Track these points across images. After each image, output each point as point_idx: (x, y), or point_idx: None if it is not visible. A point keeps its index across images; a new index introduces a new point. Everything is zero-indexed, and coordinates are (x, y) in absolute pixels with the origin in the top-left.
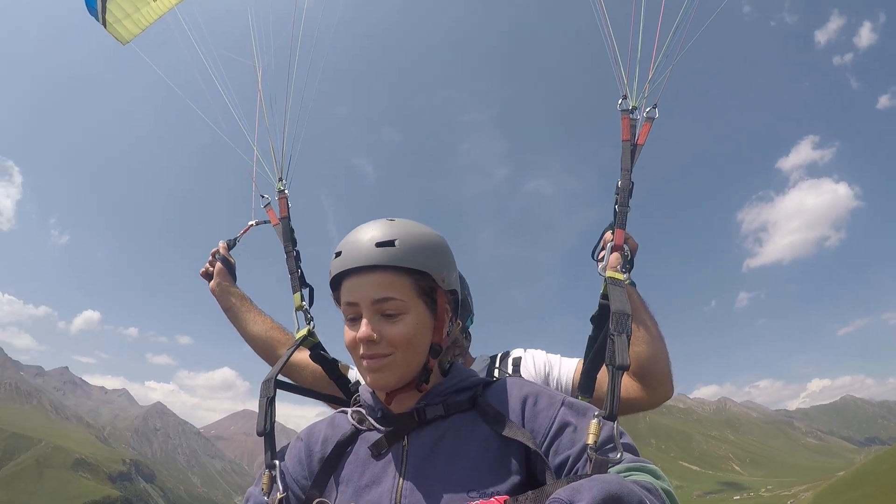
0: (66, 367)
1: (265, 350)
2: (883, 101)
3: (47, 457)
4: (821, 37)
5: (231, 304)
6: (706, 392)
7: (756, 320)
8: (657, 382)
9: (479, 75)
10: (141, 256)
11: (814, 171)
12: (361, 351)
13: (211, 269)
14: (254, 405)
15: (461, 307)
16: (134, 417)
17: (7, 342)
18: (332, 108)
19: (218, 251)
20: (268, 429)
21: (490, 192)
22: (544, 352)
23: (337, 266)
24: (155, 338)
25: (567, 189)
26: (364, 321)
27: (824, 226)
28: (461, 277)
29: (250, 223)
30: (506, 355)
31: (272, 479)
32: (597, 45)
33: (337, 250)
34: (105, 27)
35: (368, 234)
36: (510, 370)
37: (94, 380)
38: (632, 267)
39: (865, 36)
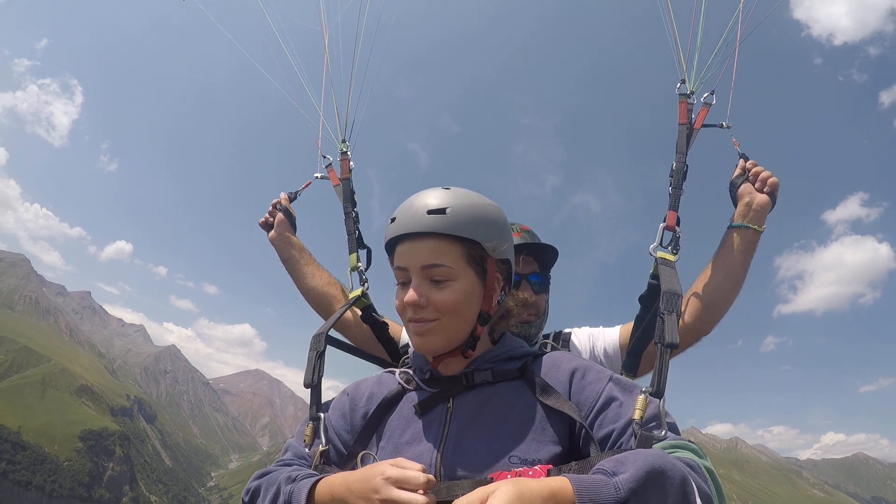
0: (89, 292)
1: (321, 304)
2: None
3: (54, 377)
4: (885, 98)
5: (291, 254)
6: (720, 429)
7: (780, 366)
8: (712, 318)
9: (547, 81)
10: (185, 199)
11: (858, 227)
12: (409, 315)
13: (271, 219)
14: (267, 366)
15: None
16: (146, 356)
17: (35, 255)
18: (395, 90)
19: (279, 202)
20: (315, 381)
21: (538, 198)
22: (588, 327)
23: (391, 231)
24: (182, 281)
25: (613, 208)
26: (412, 286)
27: (861, 283)
28: None
29: (312, 177)
30: (558, 334)
31: (315, 431)
32: (666, 59)
33: (393, 216)
34: None
35: (422, 201)
36: (560, 346)
37: (114, 310)
38: (678, 248)
39: None
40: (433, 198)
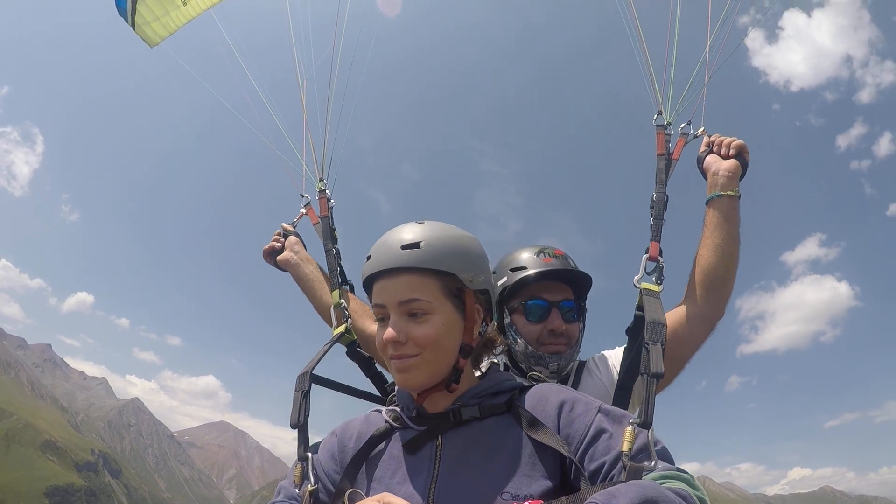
0: (49, 345)
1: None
2: (893, 208)
3: (17, 433)
4: (842, 141)
5: (308, 273)
6: (687, 469)
7: (745, 404)
8: (719, 299)
9: (507, 128)
10: (148, 249)
11: (817, 267)
12: (390, 352)
13: (277, 244)
14: (232, 418)
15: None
16: (109, 409)
17: None
18: (356, 137)
19: (285, 230)
20: (301, 421)
21: (501, 243)
22: (606, 350)
23: (366, 269)
24: (145, 332)
25: (575, 251)
26: (390, 322)
27: (822, 321)
28: None
29: (302, 211)
30: (581, 364)
31: (304, 472)
32: (629, 103)
33: (368, 253)
34: (134, 29)
35: (396, 236)
36: (575, 376)
37: (76, 363)
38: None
39: (885, 146)
40: (407, 232)
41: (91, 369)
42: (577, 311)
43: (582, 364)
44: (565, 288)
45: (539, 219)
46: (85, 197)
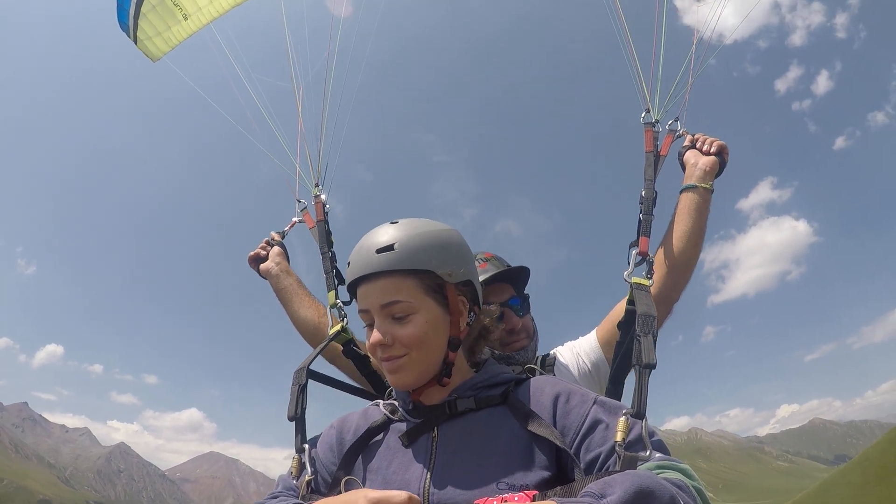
0: (26, 403)
1: (314, 335)
2: (839, 142)
3: (10, 497)
4: (780, 85)
5: (287, 284)
6: (677, 423)
7: (724, 352)
8: (678, 283)
9: (451, 116)
10: (111, 292)
11: (773, 209)
12: (379, 354)
13: (263, 252)
14: (220, 447)
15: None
16: (96, 458)
17: None
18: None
19: (272, 239)
20: (298, 414)
21: (461, 232)
22: (569, 341)
23: (347, 277)
24: (120, 375)
25: (535, 228)
26: (375, 326)
27: (786, 261)
28: None
29: (294, 220)
30: (544, 358)
31: (301, 463)
32: (565, 80)
33: (349, 260)
34: (136, 44)
35: (371, 241)
36: (547, 370)
37: (55, 417)
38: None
39: (823, 83)
40: (381, 235)
41: (71, 421)
42: (523, 304)
43: (543, 358)
44: (506, 287)
45: (494, 202)
46: (39, 247)
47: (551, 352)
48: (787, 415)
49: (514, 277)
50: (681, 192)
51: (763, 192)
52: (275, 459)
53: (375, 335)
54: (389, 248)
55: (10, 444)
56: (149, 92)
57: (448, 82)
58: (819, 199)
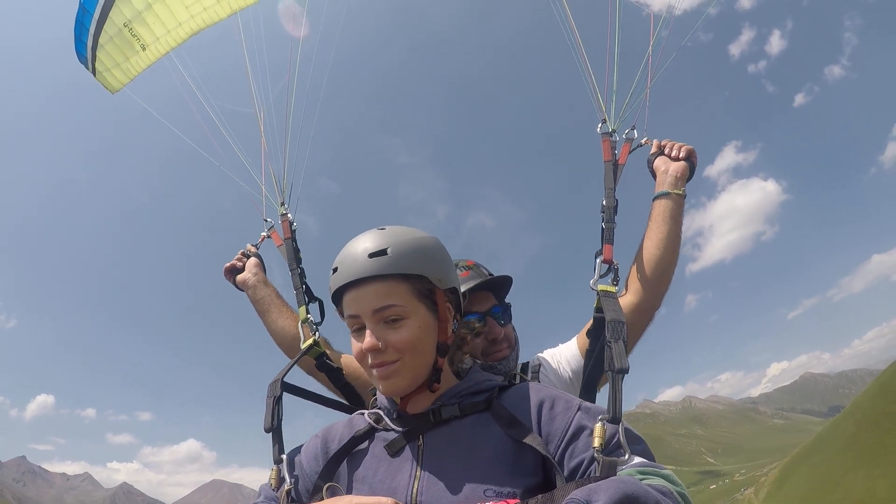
0: (24, 457)
1: (292, 346)
2: (799, 98)
3: None
4: (734, 49)
5: (264, 294)
6: (671, 394)
7: (708, 318)
8: (658, 291)
9: (410, 117)
10: (96, 335)
11: (740, 173)
12: (370, 360)
13: (239, 264)
14: (222, 474)
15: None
16: (101, 501)
17: None
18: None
19: (248, 251)
20: (274, 425)
21: (433, 230)
22: (550, 349)
23: (335, 282)
24: (114, 416)
25: (508, 219)
26: (368, 331)
27: (759, 222)
28: None
29: (263, 234)
30: (525, 365)
31: (280, 474)
32: (529, 85)
33: (334, 266)
34: (94, 76)
35: (361, 245)
36: (530, 377)
37: (54, 466)
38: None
39: (776, 43)
40: (371, 240)
41: (71, 468)
42: (505, 313)
43: (526, 365)
44: (488, 295)
45: (464, 197)
46: (16, 300)
47: (536, 357)
48: (777, 373)
49: (497, 286)
50: (654, 200)
51: (728, 157)
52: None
53: (370, 340)
54: (382, 252)
55: (13, 500)
56: (107, 120)
57: (405, 82)
58: (785, 158)
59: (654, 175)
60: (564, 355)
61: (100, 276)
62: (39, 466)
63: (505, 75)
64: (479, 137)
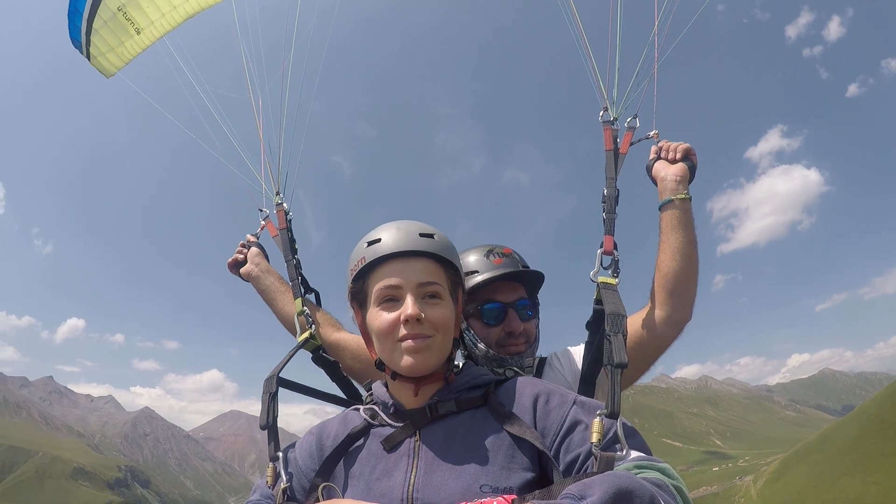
0: (51, 377)
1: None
2: (852, 89)
3: (46, 467)
4: (791, 31)
5: (270, 284)
6: (688, 371)
7: (735, 300)
8: (683, 302)
9: (455, 68)
10: (127, 263)
11: (783, 157)
12: (403, 332)
13: (240, 257)
14: (242, 405)
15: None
16: (123, 424)
17: None
18: (306, 103)
19: (248, 241)
20: (270, 423)
21: (468, 184)
22: (570, 347)
23: (379, 251)
24: (142, 343)
25: (543, 177)
26: (410, 300)
27: (796, 210)
28: None
29: (262, 223)
30: (542, 361)
31: (276, 471)
32: (572, 46)
33: (371, 239)
34: (89, 60)
35: (409, 225)
36: (536, 372)
37: (80, 388)
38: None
39: (834, 29)
40: (416, 224)
41: (96, 390)
42: (531, 308)
43: (543, 360)
44: (518, 287)
45: (501, 151)
46: (55, 225)
47: (551, 355)
48: (797, 364)
49: (528, 279)
50: (660, 210)
51: (772, 140)
52: (294, 415)
53: (413, 308)
54: (431, 235)
55: (39, 418)
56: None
57: (449, 32)
58: (830, 148)
59: (654, 182)
60: (580, 353)
61: (140, 206)
62: (66, 387)
63: (551, 31)
64: (520, 94)
